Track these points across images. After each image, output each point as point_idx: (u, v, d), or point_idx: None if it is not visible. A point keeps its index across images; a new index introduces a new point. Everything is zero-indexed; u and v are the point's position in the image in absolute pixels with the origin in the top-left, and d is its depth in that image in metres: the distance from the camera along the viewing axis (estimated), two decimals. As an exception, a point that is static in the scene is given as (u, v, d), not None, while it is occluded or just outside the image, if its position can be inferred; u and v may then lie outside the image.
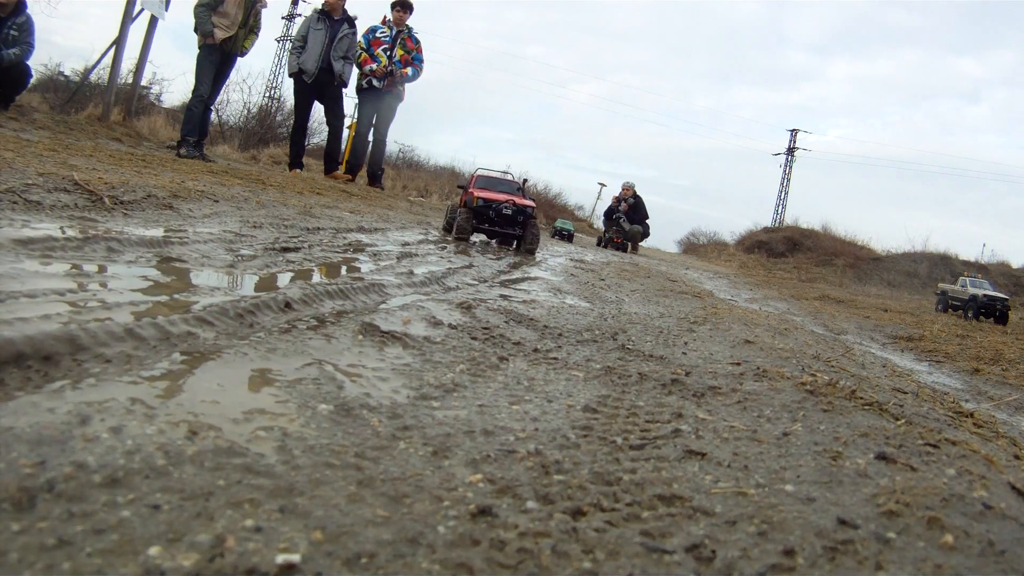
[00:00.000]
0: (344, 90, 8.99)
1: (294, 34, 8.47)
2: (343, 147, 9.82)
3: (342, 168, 10.29)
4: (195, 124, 7.83)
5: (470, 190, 7.81)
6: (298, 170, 8.80)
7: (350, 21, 8.67)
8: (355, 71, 9.28)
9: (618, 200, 15.43)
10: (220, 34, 7.65)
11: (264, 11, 8.22)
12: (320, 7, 8.53)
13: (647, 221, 15.52)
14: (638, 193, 15.34)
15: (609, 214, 15.56)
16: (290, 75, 8.71)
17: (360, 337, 2.19)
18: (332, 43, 8.47)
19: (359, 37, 9.43)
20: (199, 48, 7.76)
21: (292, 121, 9.31)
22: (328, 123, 9.16)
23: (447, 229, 7.80)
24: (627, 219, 15.16)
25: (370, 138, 9.94)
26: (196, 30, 7.68)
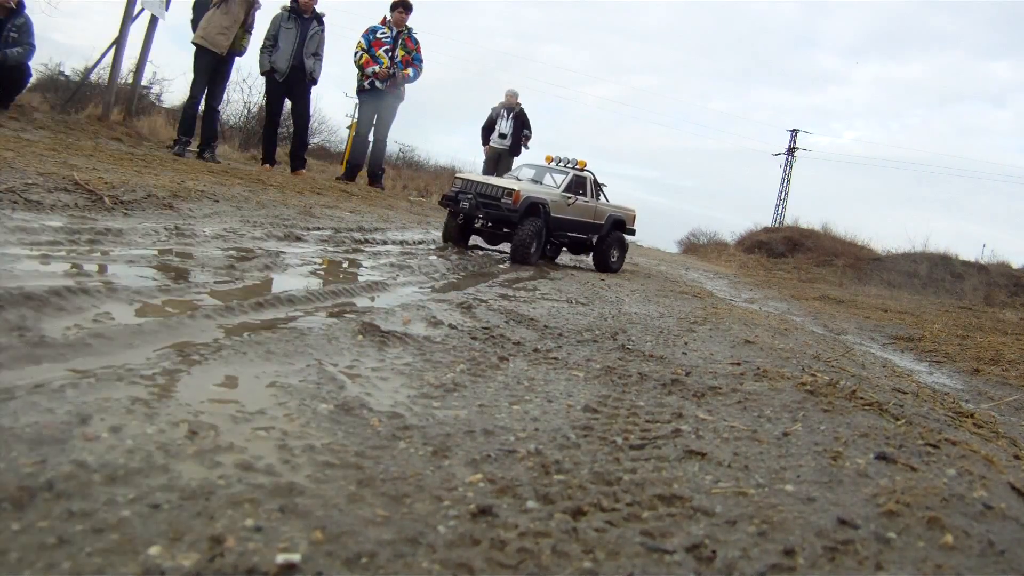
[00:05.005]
0: (314, 87, 8.96)
1: (264, 33, 8.44)
2: (343, 146, 9.79)
3: (342, 168, 10.21)
4: (190, 124, 7.90)
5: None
6: (269, 165, 8.80)
7: (319, 19, 8.70)
8: (347, 72, 9.23)
9: (499, 110, 11.60)
10: (221, 41, 7.63)
11: (258, 12, 8.22)
12: (289, 5, 8.52)
13: (528, 138, 11.80)
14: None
15: (489, 128, 11.78)
16: (262, 74, 8.75)
17: (360, 337, 2.19)
18: (304, 41, 8.49)
19: (360, 38, 9.44)
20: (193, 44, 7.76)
21: (293, 119, 9.26)
22: (294, 121, 9.12)
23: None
24: (512, 135, 11.43)
25: (370, 138, 9.94)
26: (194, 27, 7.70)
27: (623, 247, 7.45)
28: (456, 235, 6.41)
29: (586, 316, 3.50)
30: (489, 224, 6.14)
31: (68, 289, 2.02)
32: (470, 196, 6.05)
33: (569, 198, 6.67)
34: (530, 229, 6.00)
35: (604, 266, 7.14)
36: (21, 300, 1.84)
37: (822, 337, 4.89)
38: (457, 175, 6.94)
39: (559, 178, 6.97)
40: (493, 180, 6.39)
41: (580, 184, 6.92)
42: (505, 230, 6.18)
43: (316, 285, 2.98)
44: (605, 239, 7.14)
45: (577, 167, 7.02)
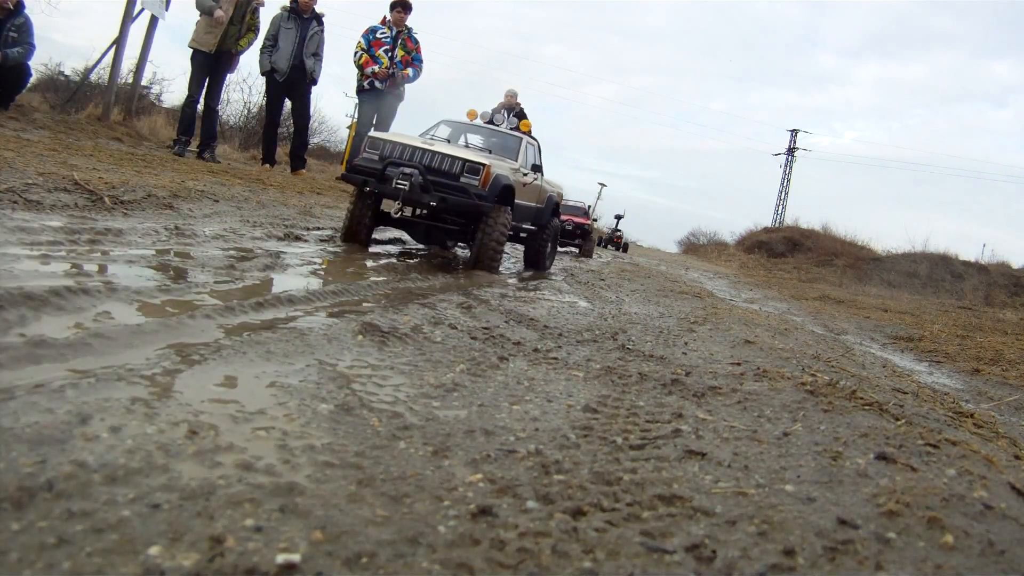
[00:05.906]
0: (314, 87, 8.98)
1: (263, 33, 8.42)
2: (343, 146, 9.81)
3: (342, 168, 10.24)
4: (189, 123, 7.93)
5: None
6: (269, 165, 8.83)
7: (319, 19, 8.72)
8: (340, 72, 9.26)
9: (499, 109, 11.26)
10: (209, 40, 7.63)
11: (262, 10, 8.22)
12: (289, 5, 8.53)
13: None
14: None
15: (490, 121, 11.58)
16: (262, 74, 8.77)
17: (360, 336, 2.18)
18: (304, 42, 8.50)
19: (359, 38, 9.44)
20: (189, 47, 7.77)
21: (293, 119, 9.27)
22: (294, 121, 9.15)
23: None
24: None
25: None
26: (198, 6, 7.68)
27: (556, 237, 5.84)
28: (367, 231, 4.44)
29: (586, 316, 3.50)
30: (425, 212, 4.26)
31: (68, 289, 2.02)
32: (411, 172, 4.03)
33: (526, 175, 4.91)
34: (503, 226, 4.29)
35: (537, 263, 5.54)
36: (21, 300, 1.84)
37: (822, 337, 4.88)
38: (377, 135, 4.50)
39: (493, 140, 5.13)
40: (444, 147, 4.39)
41: (533, 156, 5.28)
42: (454, 225, 4.39)
43: (316, 285, 2.98)
44: (545, 228, 5.46)
45: (521, 130, 5.34)
